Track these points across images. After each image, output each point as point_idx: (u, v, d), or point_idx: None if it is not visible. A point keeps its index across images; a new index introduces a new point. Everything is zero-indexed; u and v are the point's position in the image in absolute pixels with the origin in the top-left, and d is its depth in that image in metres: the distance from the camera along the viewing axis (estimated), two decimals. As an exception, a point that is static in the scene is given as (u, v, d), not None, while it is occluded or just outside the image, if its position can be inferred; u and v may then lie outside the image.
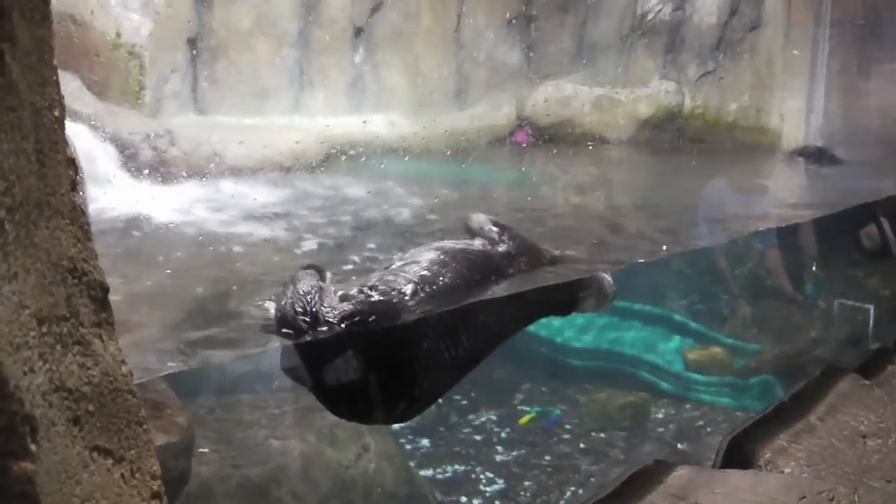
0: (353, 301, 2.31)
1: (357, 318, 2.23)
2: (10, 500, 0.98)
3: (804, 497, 3.00)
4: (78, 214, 1.27)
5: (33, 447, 1.01)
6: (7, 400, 0.98)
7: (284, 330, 2.25)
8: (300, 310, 2.22)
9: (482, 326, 2.80)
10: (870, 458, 3.45)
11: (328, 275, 2.45)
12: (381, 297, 2.39)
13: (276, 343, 2.35)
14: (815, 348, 7.12)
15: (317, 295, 2.25)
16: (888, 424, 3.72)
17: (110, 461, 1.25)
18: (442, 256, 2.69)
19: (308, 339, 2.24)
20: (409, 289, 2.45)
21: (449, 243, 2.89)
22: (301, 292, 2.26)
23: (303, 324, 2.20)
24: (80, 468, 1.17)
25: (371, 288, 2.46)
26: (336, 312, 2.22)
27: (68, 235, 1.24)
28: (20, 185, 1.09)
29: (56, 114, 1.22)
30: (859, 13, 7.32)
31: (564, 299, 3.22)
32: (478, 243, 2.96)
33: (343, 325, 2.21)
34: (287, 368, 2.54)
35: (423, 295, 2.48)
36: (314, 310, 2.21)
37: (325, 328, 2.21)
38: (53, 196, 1.20)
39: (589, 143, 6.56)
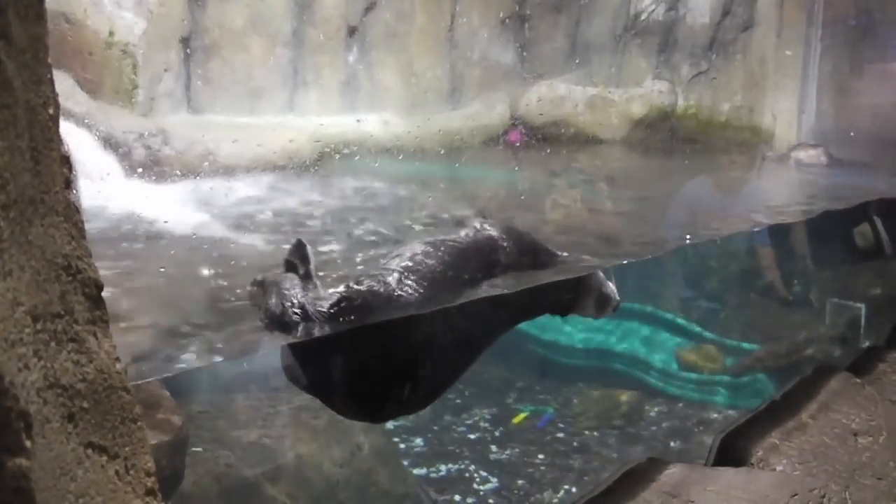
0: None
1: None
2: (5, 496, 0.98)
3: (796, 494, 3.01)
4: (72, 212, 1.27)
5: (28, 443, 1.01)
6: (2, 396, 0.98)
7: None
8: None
9: (480, 320, 2.80)
10: (861, 455, 3.47)
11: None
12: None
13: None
14: (808, 347, 7.14)
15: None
16: (879, 422, 3.73)
17: (105, 458, 1.25)
18: (427, 248, 2.70)
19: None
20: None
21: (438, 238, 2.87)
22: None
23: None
24: (74, 464, 1.17)
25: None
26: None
27: (62, 233, 1.24)
28: (15, 183, 1.09)
29: (51, 111, 1.22)
30: (851, 14, 7.34)
31: (562, 300, 3.18)
32: (467, 236, 2.92)
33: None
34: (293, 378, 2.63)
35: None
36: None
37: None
38: (48, 194, 1.20)
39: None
